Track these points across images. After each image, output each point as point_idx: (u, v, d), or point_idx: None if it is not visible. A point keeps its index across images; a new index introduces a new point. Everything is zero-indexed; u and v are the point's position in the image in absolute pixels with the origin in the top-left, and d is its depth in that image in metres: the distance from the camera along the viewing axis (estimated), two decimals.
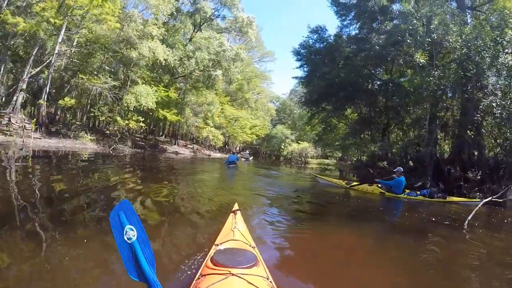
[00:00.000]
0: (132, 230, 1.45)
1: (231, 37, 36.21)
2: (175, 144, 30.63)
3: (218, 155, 36.03)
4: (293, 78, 27.26)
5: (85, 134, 19.43)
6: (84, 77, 18.04)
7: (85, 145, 18.59)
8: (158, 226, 3.77)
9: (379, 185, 8.35)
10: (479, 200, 7.22)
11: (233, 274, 1.66)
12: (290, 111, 69.93)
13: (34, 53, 22.97)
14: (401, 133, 20.33)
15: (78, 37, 20.52)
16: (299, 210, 5.86)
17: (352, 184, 9.43)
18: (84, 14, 17.16)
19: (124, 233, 1.44)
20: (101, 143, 19.14)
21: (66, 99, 18.07)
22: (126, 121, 19.40)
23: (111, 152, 17.80)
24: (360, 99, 21.81)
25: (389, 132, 22.34)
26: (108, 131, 19.69)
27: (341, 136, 29.82)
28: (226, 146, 45.96)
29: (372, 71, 21.63)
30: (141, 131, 33.21)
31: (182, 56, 23.45)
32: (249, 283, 1.59)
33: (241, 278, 1.63)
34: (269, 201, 6.47)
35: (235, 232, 2.50)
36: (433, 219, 5.61)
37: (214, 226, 3.55)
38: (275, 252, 3.11)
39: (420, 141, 13.60)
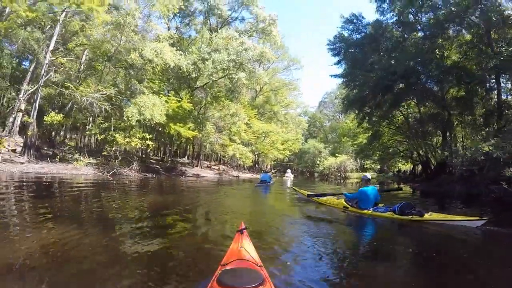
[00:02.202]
0: None
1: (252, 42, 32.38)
2: (197, 166, 26.41)
3: (247, 175, 31.40)
4: (332, 76, 22.56)
5: (80, 157, 15.67)
6: (71, 85, 14.43)
7: (79, 170, 14.72)
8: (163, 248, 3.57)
9: (345, 199, 7.10)
10: (479, 219, 4.89)
11: None
12: (320, 124, 65.72)
13: (31, 69, 20.36)
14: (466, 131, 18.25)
15: (74, 46, 17.33)
16: (305, 230, 5.08)
17: (311, 194, 8.54)
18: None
19: None
20: (100, 167, 15.24)
21: (52, 114, 14.54)
22: (128, 139, 15.33)
23: (109, 178, 13.77)
24: (421, 92, 16.97)
25: (452, 131, 18.73)
26: (105, 152, 15.67)
27: (389, 143, 25.44)
28: (256, 165, 41.27)
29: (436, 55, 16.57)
30: (155, 152, 29.93)
31: (196, 60, 19.52)
32: None
33: None
34: (280, 220, 6.25)
35: (242, 251, 2.46)
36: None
37: (222, 247, 3.37)
38: (283, 271, 2.94)
39: None
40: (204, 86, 23.83)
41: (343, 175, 40.00)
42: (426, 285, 2.92)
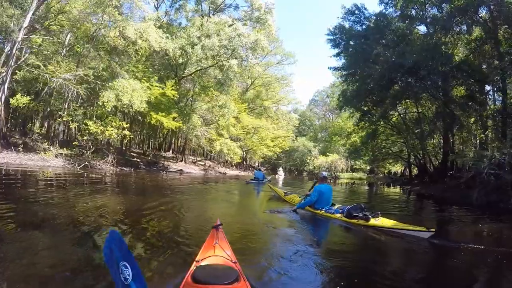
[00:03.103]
0: (127, 267, 1.36)
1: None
2: (181, 161, 24.65)
3: (235, 172, 29.83)
4: (330, 69, 20.96)
5: (50, 147, 13.80)
6: (40, 64, 12.53)
7: (46, 162, 12.88)
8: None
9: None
10: (426, 230, 4.35)
11: None
12: (310, 123, 64.84)
13: (6, 50, 18.13)
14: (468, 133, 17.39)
15: (50, 23, 15.29)
16: (279, 228, 5.12)
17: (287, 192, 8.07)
18: None
19: (120, 272, 1.36)
20: (72, 160, 13.41)
21: (18, 97, 12.62)
22: (101, 128, 13.51)
23: (80, 172, 12.01)
24: (427, 88, 16.04)
25: (457, 131, 17.61)
26: (76, 142, 13.81)
27: (384, 143, 24.42)
28: (244, 162, 39.67)
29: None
30: (140, 145, 27.94)
31: (184, 44, 17.77)
32: None
33: None
34: (253, 216, 6.21)
35: (217, 247, 2.42)
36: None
37: (196, 242, 3.24)
38: (258, 267, 2.92)
39: None
40: (192, 75, 22.09)
41: (334, 175, 38.98)
42: None
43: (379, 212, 5.12)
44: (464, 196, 11.36)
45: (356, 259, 3.73)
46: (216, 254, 2.30)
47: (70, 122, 14.22)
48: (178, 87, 20.25)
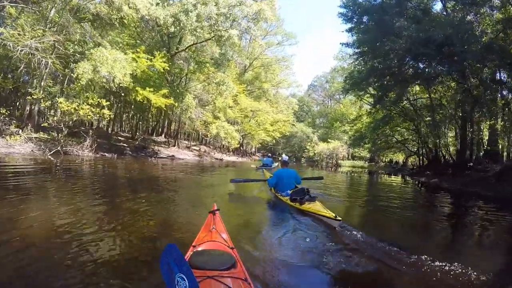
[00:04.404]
0: (184, 279, 1.33)
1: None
2: (174, 146, 22.52)
3: (232, 158, 27.82)
4: (342, 45, 19.01)
5: (19, 131, 11.54)
6: (4, 31, 10.14)
7: (12, 148, 10.72)
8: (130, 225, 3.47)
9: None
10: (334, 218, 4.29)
11: (209, 277, 1.59)
12: (308, 109, 63.05)
13: None
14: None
15: None
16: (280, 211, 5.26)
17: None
18: None
19: (176, 283, 1.35)
20: (44, 144, 11.24)
21: None
22: (75, 106, 11.26)
23: (47, 159, 9.92)
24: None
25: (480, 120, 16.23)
26: (45, 124, 11.61)
27: (393, 131, 23.19)
28: (241, 148, 37.58)
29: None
30: (133, 129, 25.65)
31: (177, 12, 15.34)
32: (226, 285, 1.56)
33: (217, 281, 1.57)
34: (252, 201, 6.17)
35: (214, 233, 2.40)
36: None
37: (194, 228, 3.15)
38: (255, 253, 2.88)
39: None
40: (187, 50, 19.66)
41: (335, 162, 37.31)
42: None
43: (317, 196, 5.25)
44: (495, 191, 9.67)
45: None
46: (213, 239, 2.27)
47: (42, 101, 11.92)
48: (170, 63, 17.91)
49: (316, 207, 4.84)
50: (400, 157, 35.71)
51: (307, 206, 4.94)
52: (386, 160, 38.35)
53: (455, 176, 14.74)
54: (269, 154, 18.59)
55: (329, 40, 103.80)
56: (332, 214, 4.31)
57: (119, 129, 26.58)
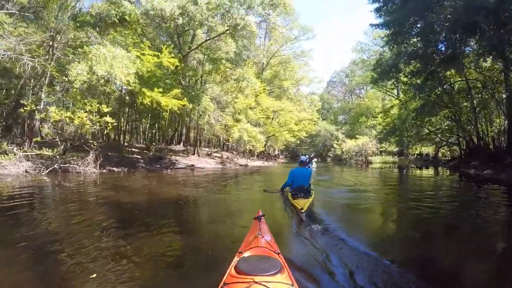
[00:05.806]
0: None
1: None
2: (193, 154, 20.63)
3: (257, 163, 25.63)
4: (372, 26, 16.61)
5: (13, 148, 9.93)
6: None
7: (4, 169, 9.07)
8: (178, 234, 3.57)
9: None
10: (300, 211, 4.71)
11: (256, 282, 1.58)
12: (329, 106, 60.42)
13: None
14: None
15: None
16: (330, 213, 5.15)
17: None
18: None
19: None
20: (42, 163, 9.57)
21: None
22: (70, 114, 9.47)
23: (42, 180, 8.17)
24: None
25: None
26: (37, 138, 9.90)
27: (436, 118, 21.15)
28: (265, 151, 35.25)
29: None
30: (156, 140, 24.10)
31: (185, 2, 13.47)
32: None
33: (264, 286, 1.55)
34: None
35: (259, 238, 2.37)
36: None
37: (239, 235, 3.15)
38: (301, 259, 2.82)
39: None
40: (200, 48, 17.78)
41: (365, 160, 34.30)
42: None
43: (312, 193, 5.69)
44: None
45: None
46: (259, 245, 2.25)
47: (36, 112, 10.26)
48: (183, 65, 16.06)
49: (302, 202, 5.00)
50: (429, 149, 32.74)
51: (298, 201, 5.09)
52: (416, 153, 35.18)
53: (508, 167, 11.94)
54: (304, 154, 16.19)
55: (338, 32, 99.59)
56: (299, 207, 4.62)
57: (135, 141, 25.15)
